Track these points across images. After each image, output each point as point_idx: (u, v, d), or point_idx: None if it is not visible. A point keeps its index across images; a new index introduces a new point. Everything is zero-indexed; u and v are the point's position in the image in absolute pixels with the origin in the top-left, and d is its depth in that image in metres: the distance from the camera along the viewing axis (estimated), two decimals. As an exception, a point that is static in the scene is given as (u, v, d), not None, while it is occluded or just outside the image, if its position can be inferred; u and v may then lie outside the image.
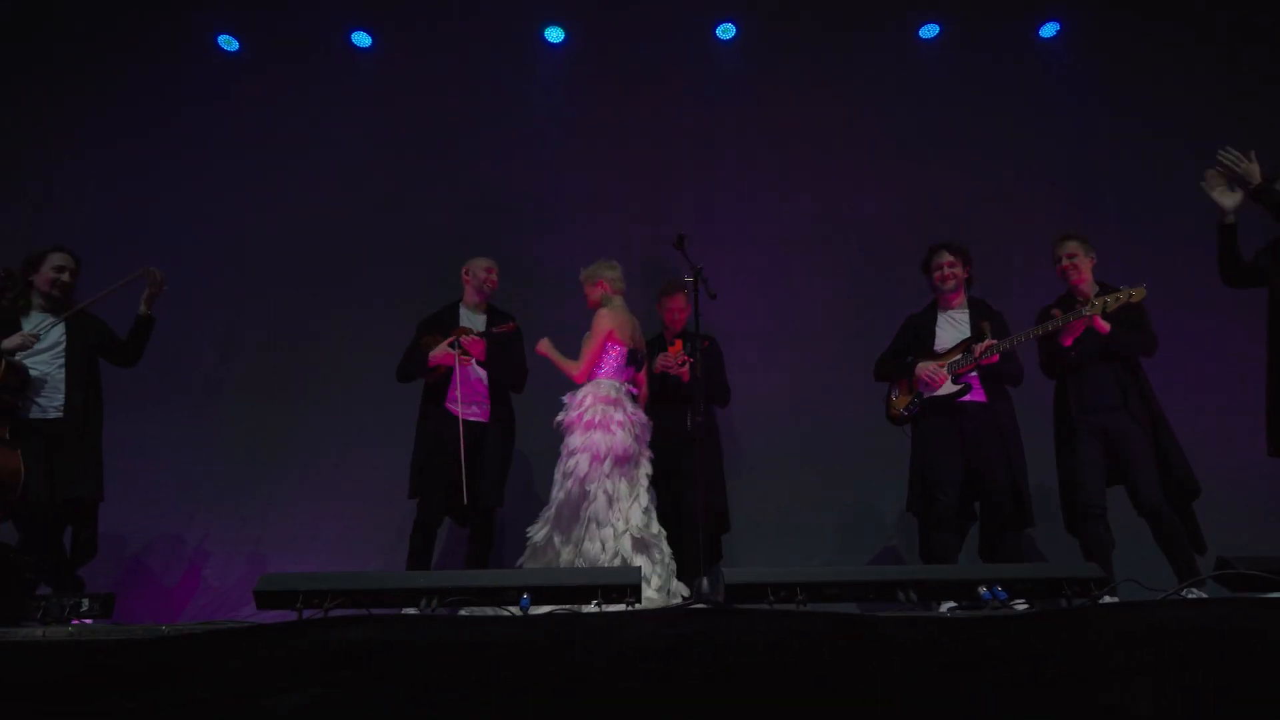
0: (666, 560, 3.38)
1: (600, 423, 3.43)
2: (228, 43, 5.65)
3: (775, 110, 5.51)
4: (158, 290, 3.63)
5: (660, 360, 3.87)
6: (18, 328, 3.45)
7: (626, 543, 3.27)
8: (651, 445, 3.66)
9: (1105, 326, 3.31)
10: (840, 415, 4.67)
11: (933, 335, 3.69)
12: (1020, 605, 2.13)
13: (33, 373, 3.40)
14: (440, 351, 3.68)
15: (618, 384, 3.60)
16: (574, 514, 3.36)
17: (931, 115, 5.37)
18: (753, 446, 4.85)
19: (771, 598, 1.98)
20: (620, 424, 3.45)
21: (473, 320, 3.92)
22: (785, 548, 4.46)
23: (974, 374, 3.53)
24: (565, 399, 3.63)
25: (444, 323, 3.88)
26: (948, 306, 3.76)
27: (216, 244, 5.39)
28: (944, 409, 3.53)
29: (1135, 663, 1.53)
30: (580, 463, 3.39)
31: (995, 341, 3.45)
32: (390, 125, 5.56)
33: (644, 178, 5.45)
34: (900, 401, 3.67)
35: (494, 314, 4.01)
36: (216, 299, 5.25)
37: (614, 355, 3.62)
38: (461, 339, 3.68)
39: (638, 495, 3.44)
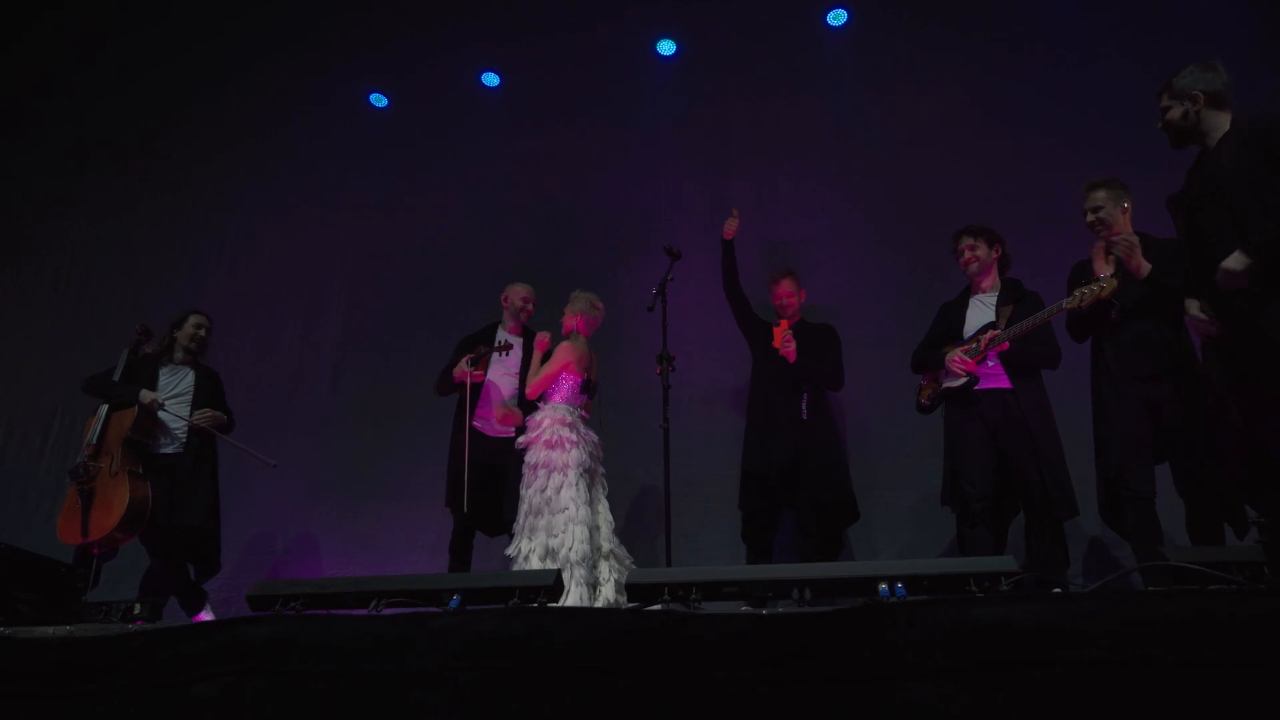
0: (622, 574, 3.67)
1: (557, 441, 3.78)
2: (378, 100, 6.31)
3: (894, 96, 5.32)
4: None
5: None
6: (155, 375, 4.11)
7: (585, 547, 3.62)
8: (762, 433, 3.89)
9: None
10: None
11: (963, 321, 3.53)
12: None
13: (162, 414, 4.03)
14: (459, 369, 3.99)
15: (571, 408, 3.93)
16: (537, 520, 3.68)
17: (1076, 86, 4.96)
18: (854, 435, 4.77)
19: (668, 596, 2.06)
20: (574, 442, 3.81)
21: (508, 341, 4.21)
22: (870, 538, 4.36)
23: (991, 362, 3.35)
24: (527, 421, 3.96)
25: (481, 342, 4.18)
26: (979, 290, 3.61)
27: (335, 287, 6.07)
28: (963, 399, 3.37)
29: (940, 662, 1.50)
30: (540, 476, 3.74)
31: (998, 333, 3.26)
32: (515, 158, 5.93)
33: (758, 172, 5.44)
34: (924, 392, 3.55)
35: (529, 338, 4.26)
36: (330, 337, 5.91)
37: (570, 383, 3.95)
38: (476, 359, 3.98)
39: (599, 509, 3.80)
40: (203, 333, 4.27)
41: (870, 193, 5.21)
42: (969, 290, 3.65)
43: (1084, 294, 3.01)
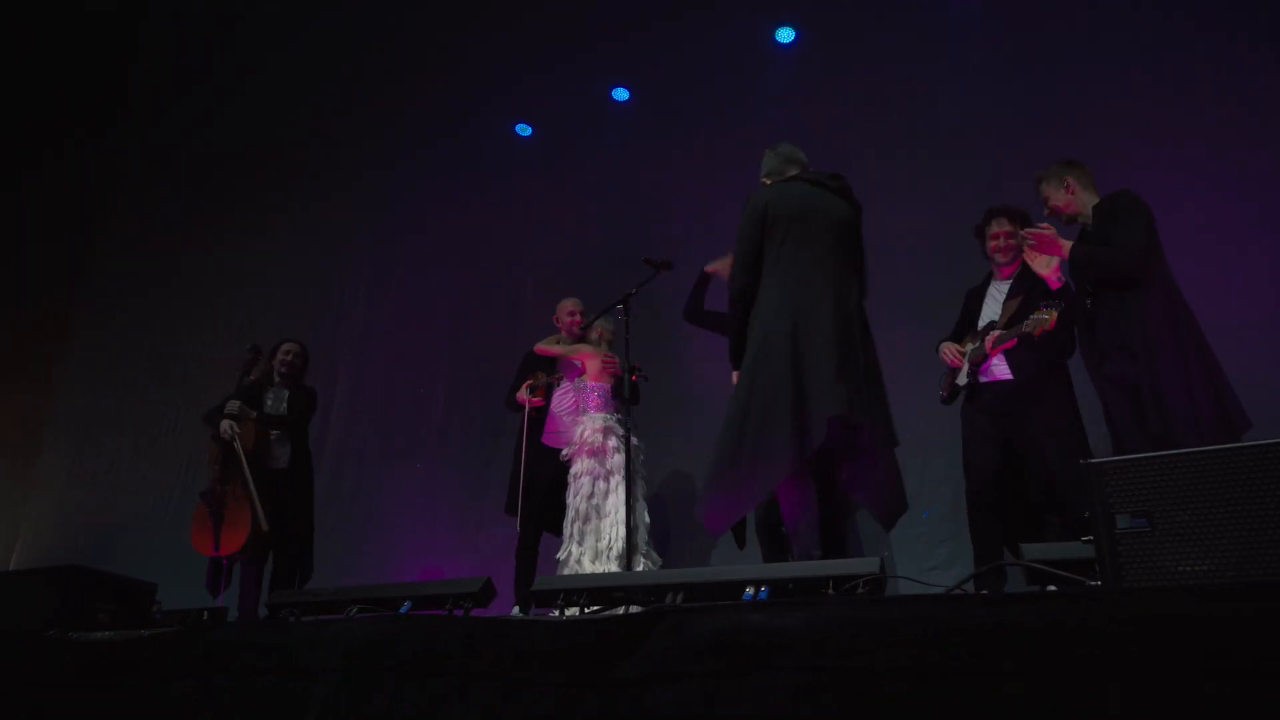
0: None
1: (599, 449, 4.02)
2: (523, 129, 6.56)
3: (1028, 84, 4.83)
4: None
5: None
6: (262, 399, 4.70)
7: (621, 544, 3.79)
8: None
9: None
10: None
11: (979, 311, 3.40)
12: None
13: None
14: (521, 393, 4.30)
15: (606, 415, 4.15)
16: (586, 526, 3.91)
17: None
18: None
19: (562, 601, 2.24)
20: (615, 448, 4.02)
21: None
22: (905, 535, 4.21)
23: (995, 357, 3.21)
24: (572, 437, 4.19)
25: (539, 361, 4.46)
26: (999, 278, 3.47)
27: (458, 305, 6.57)
28: (969, 393, 3.27)
29: (691, 667, 1.58)
30: (585, 484, 3.98)
31: (1000, 333, 3.13)
32: (644, 169, 5.98)
33: (889, 162, 5.11)
34: (944, 385, 3.44)
35: None
36: (440, 359, 6.47)
37: (599, 393, 4.18)
38: (535, 387, 4.27)
39: (638, 509, 3.94)
40: (291, 358, 4.80)
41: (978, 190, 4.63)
42: (990, 277, 3.51)
43: (1032, 323, 2.95)
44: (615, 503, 3.94)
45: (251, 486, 4.29)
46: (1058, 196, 3.06)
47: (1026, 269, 3.37)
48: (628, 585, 2.18)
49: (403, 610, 2.53)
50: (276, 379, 4.81)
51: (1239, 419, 2.58)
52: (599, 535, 3.91)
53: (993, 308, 3.37)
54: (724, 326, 4.05)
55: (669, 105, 6.06)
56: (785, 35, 5.70)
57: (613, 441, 4.07)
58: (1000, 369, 3.23)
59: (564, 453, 4.20)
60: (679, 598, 2.09)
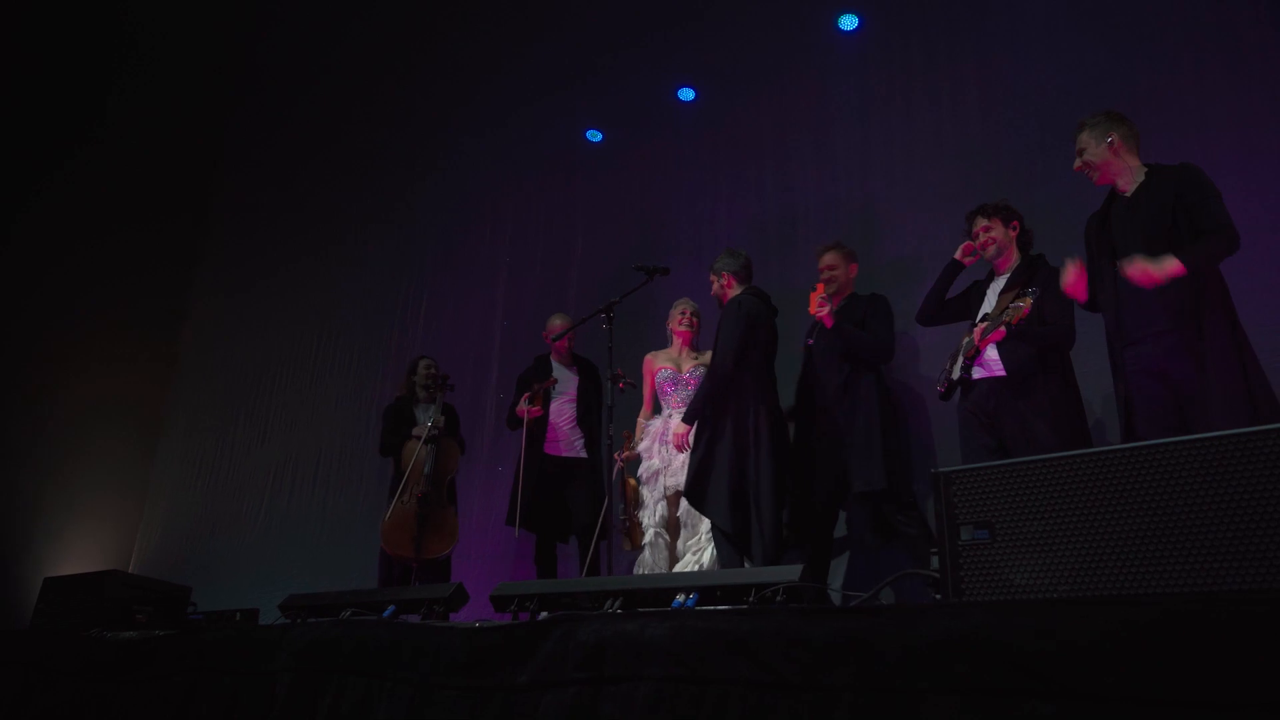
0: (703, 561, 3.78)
1: None
2: (593, 135, 6.48)
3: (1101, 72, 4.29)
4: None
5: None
6: (414, 415, 4.87)
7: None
8: (799, 411, 3.85)
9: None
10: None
11: (978, 304, 3.32)
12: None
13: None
14: (520, 408, 4.39)
15: None
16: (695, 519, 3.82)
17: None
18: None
19: (515, 605, 2.33)
20: None
21: (560, 372, 4.56)
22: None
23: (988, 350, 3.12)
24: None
25: (534, 377, 4.54)
26: (997, 272, 3.37)
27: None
28: (964, 389, 3.19)
29: (573, 674, 1.64)
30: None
31: (985, 325, 3.05)
32: (718, 171, 5.79)
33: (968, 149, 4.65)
34: (942, 380, 3.35)
35: (581, 364, 4.58)
36: (491, 359, 6.65)
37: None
38: (533, 396, 4.35)
39: None
40: (433, 370, 4.96)
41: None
42: (992, 272, 3.41)
43: (1010, 312, 2.90)
44: None
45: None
46: (1096, 151, 2.85)
47: (1023, 261, 3.26)
48: (574, 592, 2.25)
49: (386, 614, 2.67)
50: (421, 394, 4.93)
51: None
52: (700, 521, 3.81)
53: (990, 300, 3.28)
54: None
55: (732, 106, 5.84)
56: (849, 23, 5.51)
57: None
58: (995, 365, 3.14)
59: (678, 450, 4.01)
60: (617, 604, 2.15)
